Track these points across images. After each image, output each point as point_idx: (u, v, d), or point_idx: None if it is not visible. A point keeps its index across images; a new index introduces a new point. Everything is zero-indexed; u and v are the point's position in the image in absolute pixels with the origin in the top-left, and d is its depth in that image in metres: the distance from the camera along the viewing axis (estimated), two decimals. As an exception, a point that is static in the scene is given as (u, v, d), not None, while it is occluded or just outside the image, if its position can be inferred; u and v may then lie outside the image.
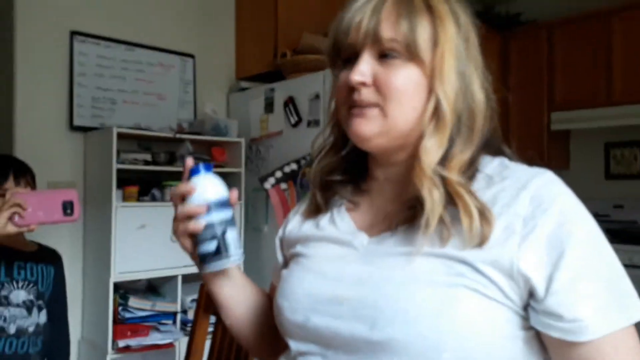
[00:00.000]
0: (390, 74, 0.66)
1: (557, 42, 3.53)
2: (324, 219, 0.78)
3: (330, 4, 2.92)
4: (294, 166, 2.56)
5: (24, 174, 1.56)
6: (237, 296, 0.84)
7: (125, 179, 2.33)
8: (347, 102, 0.70)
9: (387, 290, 0.63)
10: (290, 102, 2.59)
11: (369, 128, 0.67)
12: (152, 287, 2.46)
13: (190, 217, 0.73)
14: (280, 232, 0.88)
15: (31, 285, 1.57)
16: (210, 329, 1.66)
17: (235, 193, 0.77)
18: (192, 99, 2.83)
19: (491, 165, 0.69)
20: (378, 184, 0.76)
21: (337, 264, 0.71)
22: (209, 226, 0.72)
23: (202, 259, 0.75)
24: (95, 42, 2.48)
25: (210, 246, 0.73)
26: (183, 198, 0.74)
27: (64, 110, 2.42)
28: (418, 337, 0.59)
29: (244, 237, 2.66)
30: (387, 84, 0.66)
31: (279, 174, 2.60)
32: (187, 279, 2.43)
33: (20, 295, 1.54)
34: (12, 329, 1.52)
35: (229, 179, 2.69)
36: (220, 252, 0.73)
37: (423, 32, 0.66)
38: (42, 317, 1.59)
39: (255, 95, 2.81)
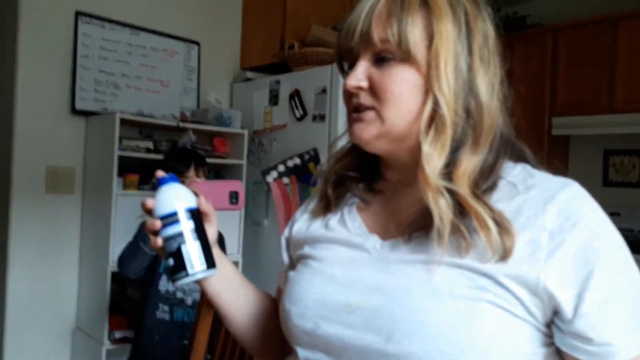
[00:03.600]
0: (384, 77, 0.64)
1: (561, 47, 3.52)
2: (334, 219, 0.75)
3: (341, -3, 2.90)
4: (297, 161, 2.52)
5: (203, 166, 1.78)
6: (236, 303, 0.81)
7: (125, 167, 2.29)
8: (348, 106, 0.69)
9: (405, 300, 0.60)
10: (295, 95, 2.55)
11: (366, 132, 0.66)
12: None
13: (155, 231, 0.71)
14: (286, 231, 0.84)
15: None
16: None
17: (202, 200, 0.74)
18: (195, 87, 2.78)
19: (514, 172, 0.66)
20: (392, 186, 0.73)
21: (348, 269, 0.68)
22: (166, 241, 0.70)
23: (168, 274, 0.72)
24: (100, 24, 2.42)
25: (169, 262, 0.70)
26: (150, 212, 0.72)
27: (66, 93, 2.36)
28: (437, 352, 0.56)
29: (243, 231, 2.63)
30: (381, 87, 0.64)
31: (281, 168, 2.57)
32: (185, 270, 2.40)
33: None
34: (189, 301, 1.76)
35: (230, 171, 2.66)
36: (177, 268, 0.70)
37: (414, 30, 0.62)
38: None
39: (260, 86, 2.77)
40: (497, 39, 0.67)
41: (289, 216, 2.53)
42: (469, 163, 0.62)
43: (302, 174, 2.50)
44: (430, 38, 0.63)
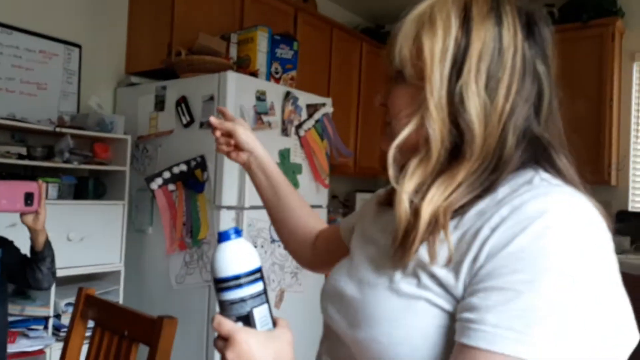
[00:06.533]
0: (392, 95, 0.69)
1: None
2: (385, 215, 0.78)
3: (227, 5, 2.93)
4: (183, 167, 2.52)
5: None
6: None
7: (-6, 173, 2.15)
8: None
9: (366, 294, 0.66)
10: (182, 102, 2.55)
11: (384, 146, 0.69)
12: (21, 290, 2.29)
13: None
14: (357, 212, 0.94)
15: None
16: (88, 333, 1.60)
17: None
18: (76, 91, 2.67)
19: (502, 189, 0.61)
20: None
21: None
22: (233, 304, 0.65)
23: None
24: (-34, 21, 2.26)
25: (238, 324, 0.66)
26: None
27: None
28: (374, 341, 0.62)
29: (125, 239, 2.57)
30: (389, 104, 0.69)
31: (167, 174, 2.55)
32: (61, 281, 2.29)
33: None
34: None
35: (113, 178, 2.58)
36: None
37: (404, 48, 0.65)
38: None
39: (146, 91, 2.72)
40: (526, 38, 0.63)
41: (174, 223, 2.51)
42: (439, 194, 0.62)
43: (189, 181, 2.50)
44: (417, 59, 0.64)
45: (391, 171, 0.66)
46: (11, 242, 1.82)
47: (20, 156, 2.23)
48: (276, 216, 1.09)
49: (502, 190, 0.60)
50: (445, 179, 0.62)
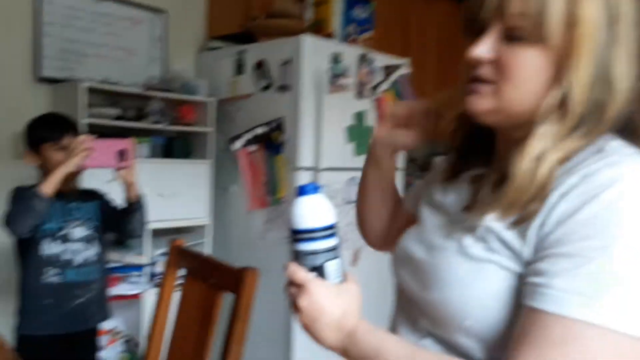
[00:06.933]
0: (510, 56, 0.61)
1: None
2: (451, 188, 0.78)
3: (305, -31, 2.93)
4: (262, 129, 2.60)
5: (75, 130, 1.87)
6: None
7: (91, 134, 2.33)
8: (465, 75, 0.67)
9: (437, 258, 0.69)
10: (261, 66, 2.62)
11: (480, 105, 0.65)
12: (120, 241, 2.51)
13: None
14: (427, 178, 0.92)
15: (86, 221, 1.87)
16: (179, 281, 1.74)
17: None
18: (162, 56, 2.81)
19: (583, 153, 0.61)
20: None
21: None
22: (308, 255, 0.67)
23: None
24: (64, -9, 2.43)
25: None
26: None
27: (28, 61, 2.37)
28: (447, 301, 0.65)
29: (212, 196, 2.73)
30: (505, 65, 0.62)
31: (247, 136, 2.65)
32: (156, 233, 2.49)
33: (79, 231, 1.84)
34: (76, 262, 1.82)
35: (198, 139, 2.72)
36: None
37: (557, 11, 0.58)
38: (99, 247, 1.90)
39: (226, 55, 2.82)
40: None
41: (255, 182, 2.63)
42: (567, 149, 0.61)
43: (268, 142, 2.59)
44: (571, 23, 0.58)
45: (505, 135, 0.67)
46: (106, 195, 2.01)
47: (114, 118, 2.40)
48: (378, 206, 0.99)
49: (574, 159, 0.60)
50: (564, 146, 0.61)
